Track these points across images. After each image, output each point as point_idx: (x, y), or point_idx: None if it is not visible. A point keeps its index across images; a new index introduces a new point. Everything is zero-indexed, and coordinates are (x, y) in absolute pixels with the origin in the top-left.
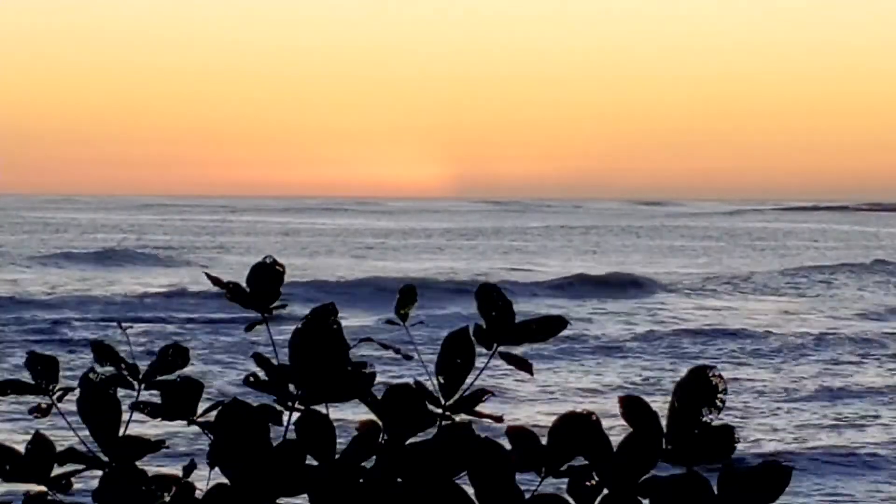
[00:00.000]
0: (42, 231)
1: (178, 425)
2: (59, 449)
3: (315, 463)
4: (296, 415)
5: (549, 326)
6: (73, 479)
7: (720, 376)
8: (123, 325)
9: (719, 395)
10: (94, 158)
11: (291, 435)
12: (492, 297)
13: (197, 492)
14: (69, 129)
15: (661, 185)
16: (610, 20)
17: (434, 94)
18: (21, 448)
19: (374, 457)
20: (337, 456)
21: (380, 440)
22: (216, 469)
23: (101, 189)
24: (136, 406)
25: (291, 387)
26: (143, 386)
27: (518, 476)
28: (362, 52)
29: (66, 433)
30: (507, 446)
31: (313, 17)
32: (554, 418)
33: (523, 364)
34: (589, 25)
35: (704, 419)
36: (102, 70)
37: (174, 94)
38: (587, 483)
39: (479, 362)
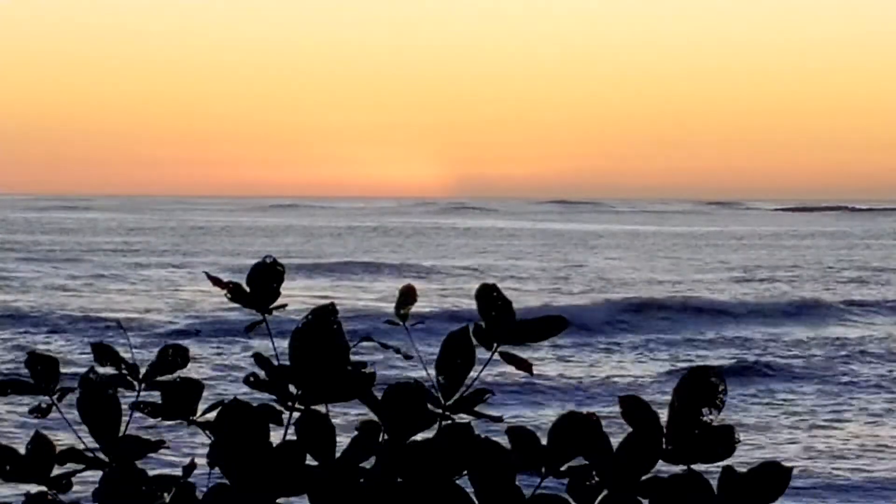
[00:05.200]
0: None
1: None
2: (59, 449)
3: (315, 463)
4: (296, 415)
5: (549, 326)
6: (73, 479)
7: (720, 376)
8: (123, 323)
9: (719, 395)
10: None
11: (291, 435)
12: (491, 296)
13: (197, 492)
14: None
15: (668, 187)
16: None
17: (436, 94)
18: (21, 448)
19: (374, 457)
20: (337, 456)
21: (380, 440)
22: (216, 469)
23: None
24: (137, 406)
25: (292, 387)
26: (143, 386)
27: (518, 476)
28: (373, 50)
29: (66, 433)
30: (507, 446)
31: (314, 16)
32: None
33: (523, 364)
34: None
35: (705, 419)
36: (102, 70)
37: (158, 93)
38: (587, 483)
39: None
